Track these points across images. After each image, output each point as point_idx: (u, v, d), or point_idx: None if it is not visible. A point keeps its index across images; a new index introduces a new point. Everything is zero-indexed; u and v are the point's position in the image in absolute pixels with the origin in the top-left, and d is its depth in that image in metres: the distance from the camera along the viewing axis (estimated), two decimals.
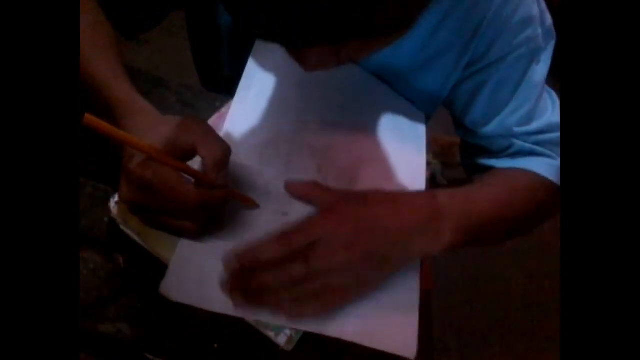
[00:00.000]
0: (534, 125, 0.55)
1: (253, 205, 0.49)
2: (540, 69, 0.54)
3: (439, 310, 1.15)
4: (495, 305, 1.34)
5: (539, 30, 0.52)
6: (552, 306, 1.33)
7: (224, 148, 0.43)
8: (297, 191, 0.51)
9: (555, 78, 0.53)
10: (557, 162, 0.55)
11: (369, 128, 0.58)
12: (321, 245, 0.42)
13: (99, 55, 0.48)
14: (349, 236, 0.43)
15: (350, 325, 0.44)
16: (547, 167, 0.54)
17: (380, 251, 0.44)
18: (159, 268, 0.45)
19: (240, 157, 0.44)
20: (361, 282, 0.44)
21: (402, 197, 0.48)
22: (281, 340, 0.44)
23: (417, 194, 0.51)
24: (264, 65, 0.59)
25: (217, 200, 0.43)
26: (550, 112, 0.56)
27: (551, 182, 0.54)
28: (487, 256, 1.41)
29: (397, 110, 0.60)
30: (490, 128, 0.56)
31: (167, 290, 0.44)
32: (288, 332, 0.44)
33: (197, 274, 0.45)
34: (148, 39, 1.65)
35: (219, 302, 0.44)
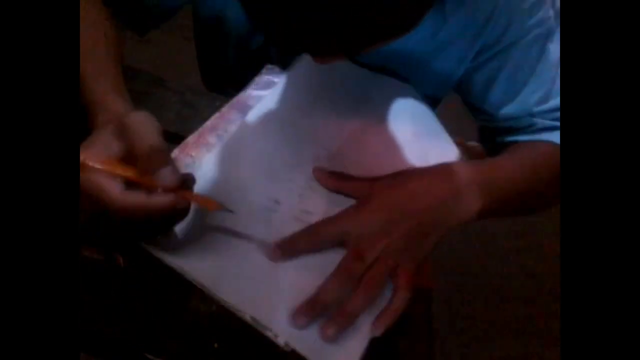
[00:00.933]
0: (552, 103, 0.57)
1: (218, 208, 0.43)
2: (555, 49, 0.56)
3: (439, 310, 1.15)
4: (495, 304, 1.34)
5: (551, 12, 0.54)
6: (552, 306, 1.33)
7: (157, 144, 0.38)
8: (324, 180, 0.52)
9: None
10: None
11: (389, 133, 0.58)
12: (361, 238, 0.45)
13: (87, 54, 0.46)
14: (385, 224, 0.45)
15: (296, 332, 0.43)
16: None
17: (419, 228, 0.46)
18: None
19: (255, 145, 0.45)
20: (412, 256, 0.46)
21: (431, 171, 0.50)
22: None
23: (444, 166, 0.51)
24: (304, 74, 0.59)
25: (156, 206, 0.37)
26: None
27: None
28: (487, 256, 1.41)
29: (411, 108, 0.61)
30: (511, 110, 0.58)
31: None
32: None
33: (181, 235, 0.45)
34: (148, 38, 1.64)
35: (195, 269, 0.44)
